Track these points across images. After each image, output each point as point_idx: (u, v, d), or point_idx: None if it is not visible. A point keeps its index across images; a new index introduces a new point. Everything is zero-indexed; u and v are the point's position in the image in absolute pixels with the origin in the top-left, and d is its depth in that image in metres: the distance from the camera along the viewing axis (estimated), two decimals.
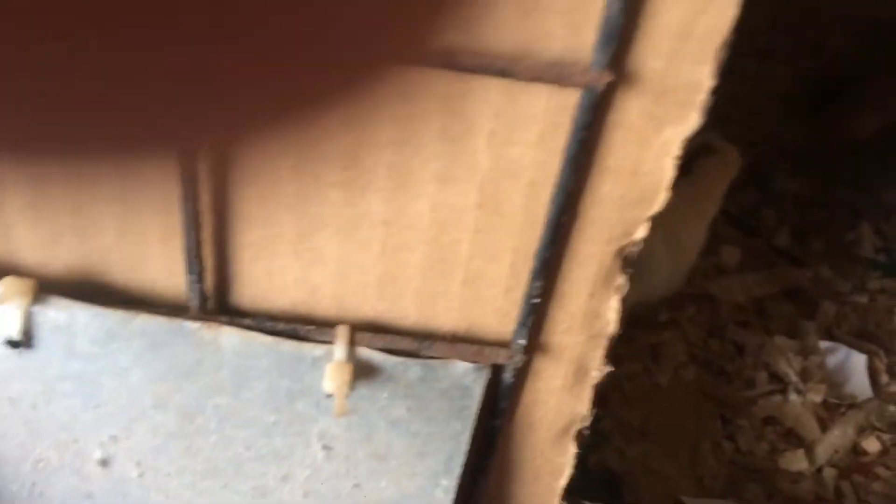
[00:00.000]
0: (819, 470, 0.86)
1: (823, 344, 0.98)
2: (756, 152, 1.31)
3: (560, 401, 0.53)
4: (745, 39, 1.36)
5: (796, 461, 0.85)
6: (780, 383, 0.94)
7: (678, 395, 0.92)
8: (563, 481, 0.56)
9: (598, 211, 0.44)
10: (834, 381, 0.94)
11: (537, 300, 0.46)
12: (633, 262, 0.47)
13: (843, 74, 1.53)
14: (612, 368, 0.52)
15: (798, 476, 0.84)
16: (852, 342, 1.00)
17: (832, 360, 0.97)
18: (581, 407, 0.53)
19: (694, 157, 0.87)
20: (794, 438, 0.89)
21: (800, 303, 1.05)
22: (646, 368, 0.94)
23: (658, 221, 0.80)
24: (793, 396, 0.92)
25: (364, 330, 0.48)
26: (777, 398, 0.92)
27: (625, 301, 0.83)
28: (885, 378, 0.97)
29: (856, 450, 0.88)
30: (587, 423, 0.54)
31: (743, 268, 1.09)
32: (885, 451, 0.88)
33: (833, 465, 0.86)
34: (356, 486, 0.50)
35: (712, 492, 0.82)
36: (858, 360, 0.97)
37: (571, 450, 0.55)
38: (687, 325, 0.99)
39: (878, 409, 0.92)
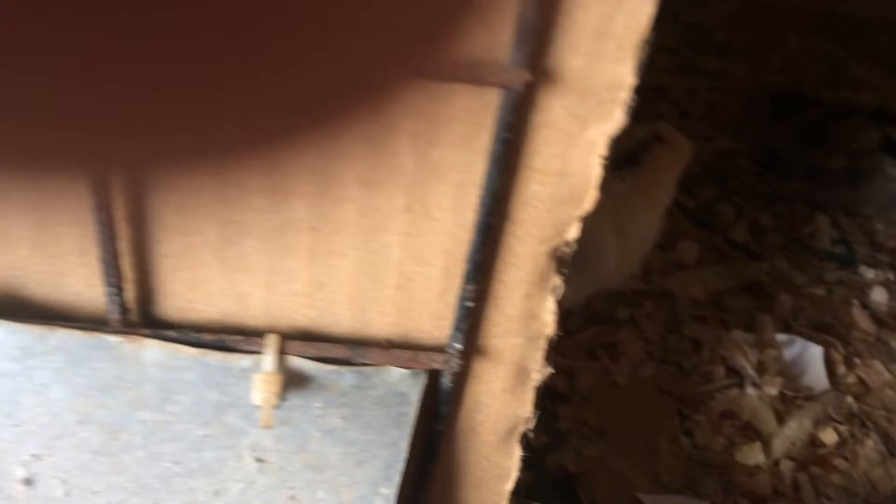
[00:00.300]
0: (776, 463, 0.86)
1: (780, 337, 0.99)
2: (715, 147, 1.32)
3: (502, 404, 0.52)
4: (704, 36, 1.38)
5: (753, 454, 0.85)
6: (737, 377, 0.94)
7: (636, 393, 0.91)
8: (509, 485, 0.56)
9: (528, 211, 0.43)
10: (791, 374, 0.95)
11: (472, 303, 0.45)
12: (568, 263, 0.46)
13: (802, 72, 1.54)
14: (553, 370, 0.51)
15: (755, 469, 0.84)
16: (809, 334, 1.00)
17: (789, 353, 0.97)
18: (523, 409, 0.52)
19: (644, 147, 0.86)
20: (752, 432, 0.89)
21: (757, 297, 1.05)
22: (604, 367, 0.93)
23: (606, 211, 0.80)
24: (749, 390, 0.92)
25: (296, 338, 0.47)
26: (734, 392, 0.92)
27: (574, 296, 0.82)
28: (842, 369, 0.97)
29: (813, 442, 0.88)
30: (531, 425, 0.53)
31: (701, 263, 1.09)
32: (842, 443, 0.88)
33: (790, 458, 0.86)
34: (292, 497, 0.49)
35: (669, 488, 0.82)
36: (815, 352, 0.97)
37: (517, 453, 0.54)
38: (645, 323, 0.99)
39: (835, 401, 0.93)
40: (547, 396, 0.90)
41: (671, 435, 0.87)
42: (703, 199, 1.21)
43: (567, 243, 0.44)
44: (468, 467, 0.55)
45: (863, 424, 0.90)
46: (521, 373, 0.50)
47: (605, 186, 0.43)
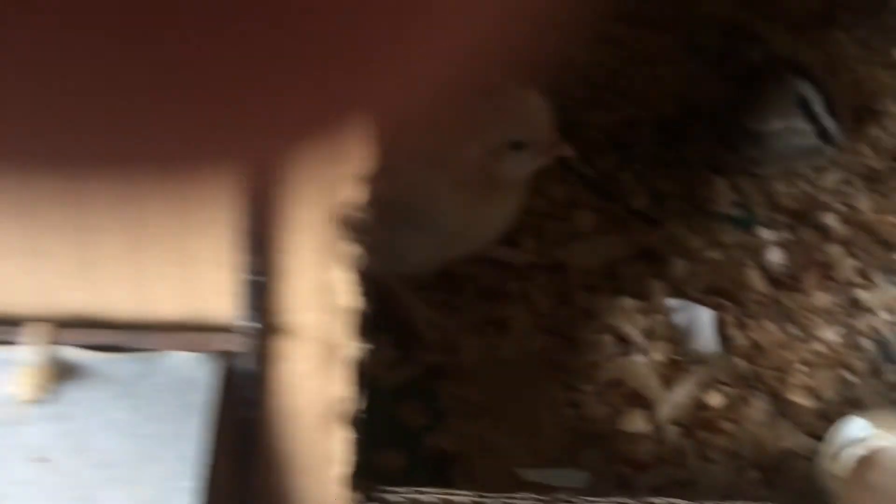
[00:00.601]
0: (661, 428, 0.84)
1: (671, 302, 0.97)
2: (618, 116, 1.30)
3: (315, 384, 0.49)
4: (613, 4, 1.33)
5: (636, 422, 0.84)
6: (626, 345, 0.92)
7: (522, 367, 0.89)
8: (338, 469, 0.53)
9: (298, 171, 0.40)
10: (680, 339, 0.94)
11: (258, 277, 0.42)
12: (363, 229, 0.43)
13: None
14: (369, 345, 0.48)
15: (638, 437, 0.83)
16: (702, 298, 0.99)
17: (679, 318, 0.96)
18: (337, 388, 0.49)
19: (501, 152, 0.81)
20: (639, 399, 0.87)
21: (652, 263, 1.04)
22: (490, 342, 0.91)
23: (443, 174, 0.76)
24: (637, 357, 0.90)
25: (69, 325, 0.43)
26: (622, 360, 0.91)
27: (419, 261, 0.78)
28: (734, 331, 0.96)
29: (700, 405, 0.87)
30: (353, 405, 0.50)
31: (597, 232, 1.07)
32: (730, 405, 0.87)
33: (676, 423, 0.85)
34: (82, 498, 0.45)
35: (551, 461, 0.80)
36: (705, 316, 0.96)
37: (340, 435, 0.51)
38: (536, 295, 0.97)
39: (724, 364, 0.92)
40: (428, 375, 0.88)
41: (555, 408, 0.85)
42: (604, 167, 1.19)
43: (349, 206, 0.41)
44: (292, 454, 0.52)
45: (751, 386, 0.90)
46: (329, 350, 0.47)
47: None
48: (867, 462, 0.73)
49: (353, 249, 0.43)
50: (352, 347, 0.47)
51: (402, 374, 0.86)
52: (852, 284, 1.04)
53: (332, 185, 0.40)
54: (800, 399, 0.90)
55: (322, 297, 0.44)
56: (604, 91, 1.35)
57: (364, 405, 0.53)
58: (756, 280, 1.03)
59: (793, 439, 0.85)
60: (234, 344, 0.44)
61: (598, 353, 0.91)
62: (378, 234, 0.78)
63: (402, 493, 0.65)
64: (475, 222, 0.84)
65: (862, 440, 0.73)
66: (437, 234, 0.82)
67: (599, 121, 1.27)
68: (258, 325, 0.44)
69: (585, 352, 0.91)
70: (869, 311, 1.01)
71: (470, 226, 0.84)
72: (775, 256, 1.07)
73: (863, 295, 1.03)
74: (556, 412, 0.85)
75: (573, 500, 0.71)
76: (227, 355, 0.45)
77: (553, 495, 0.72)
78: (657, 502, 0.63)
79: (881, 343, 0.98)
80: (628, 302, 0.96)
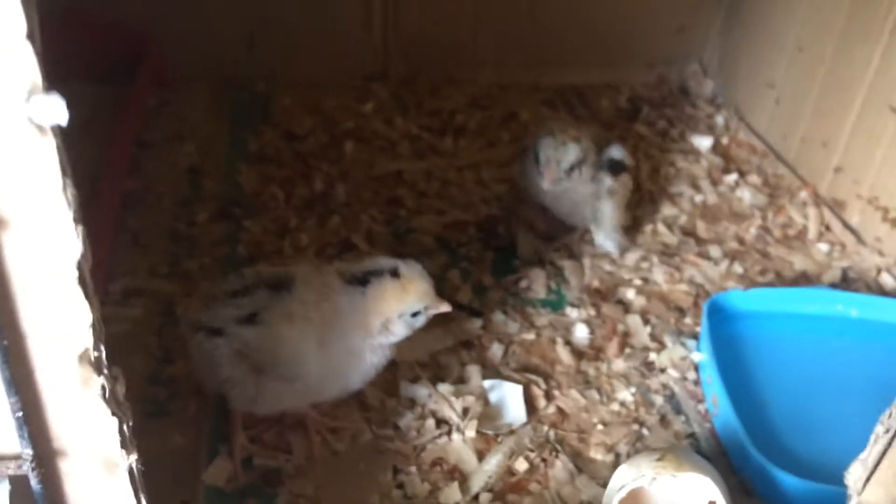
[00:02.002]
0: (476, 497, 0.96)
1: (486, 383, 1.11)
2: (446, 220, 1.46)
3: (101, 495, 0.59)
4: (444, 120, 1.50)
5: (452, 494, 0.95)
6: (446, 426, 1.04)
7: (354, 459, 1.00)
8: None
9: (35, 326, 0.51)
10: (493, 415, 1.06)
11: (21, 413, 0.53)
12: (106, 365, 0.54)
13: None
14: (136, 456, 0.58)
15: None
16: (514, 376, 1.13)
17: (493, 396, 1.09)
18: (123, 495, 0.59)
19: (379, 274, 0.92)
20: (458, 473, 0.99)
21: (471, 350, 1.17)
22: (323, 440, 1.02)
23: (310, 328, 0.89)
24: (455, 436, 1.03)
25: None
26: (443, 440, 1.03)
27: (276, 404, 0.91)
28: (542, 402, 1.10)
29: (510, 472, 0.99)
30: None
31: (425, 328, 1.21)
32: (533, 469, 1.00)
33: (489, 490, 0.97)
34: None
35: None
36: (515, 391, 1.10)
37: None
38: (368, 391, 1.09)
39: (531, 433, 1.05)
40: (266, 478, 0.98)
41: (383, 491, 0.96)
42: (435, 268, 1.34)
43: (91, 349, 0.52)
44: None
45: (555, 449, 1.02)
46: (108, 464, 0.58)
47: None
48: (625, 502, 0.86)
49: (103, 381, 0.54)
50: (127, 459, 0.58)
51: (241, 482, 0.95)
52: (647, 349, 1.20)
53: (73, 337, 0.51)
54: (598, 455, 1.03)
55: (88, 421, 0.55)
56: (434, 199, 1.51)
57: None
58: (563, 354, 1.18)
59: (590, 491, 0.98)
60: (14, 469, 0.55)
61: (421, 436, 1.03)
62: (248, 382, 0.90)
63: None
64: (336, 375, 0.94)
65: (623, 486, 0.86)
66: (298, 385, 0.92)
67: (429, 225, 1.43)
68: (31, 452, 0.55)
69: (411, 437, 1.03)
70: (661, 370, 1.17)
71: (332, 380, 0.94)
72: (581, 332, 1.22)
73: (655, 357, 1.18)
74: (383, 494, 0.95)
75: None
76: (15, 479, 0.55)
77: None
78: None
79: (670, 397, 1.13)
80: (446, 387, 1.08)
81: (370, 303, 0.91)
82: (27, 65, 0.43)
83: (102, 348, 0.53)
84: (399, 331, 0.94)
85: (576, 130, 1.27)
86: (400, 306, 0.92)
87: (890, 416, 0.77)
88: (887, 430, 0.78)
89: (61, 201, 0.46)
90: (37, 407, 0.54)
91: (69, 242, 0.47)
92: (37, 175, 0.45)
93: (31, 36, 0.43)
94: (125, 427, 0.57)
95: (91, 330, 0.52)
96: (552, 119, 1.68)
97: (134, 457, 0.58)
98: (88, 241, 0.49)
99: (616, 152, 1.34)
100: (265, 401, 0.93)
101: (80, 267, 0.49)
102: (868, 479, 0.80)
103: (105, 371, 0.54)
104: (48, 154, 0.45)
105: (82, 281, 0.49)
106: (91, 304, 0.50)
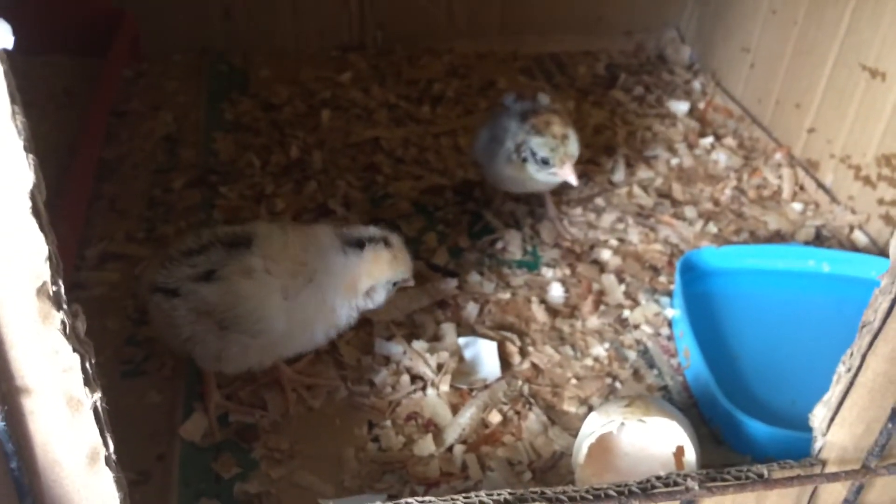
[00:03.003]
0: (450, 448, 0.97)
1: (461, 340, 1.12)
2: (424, 184, 1.46)
3: (68, 433, 0.60)
4: (422, 90, 1.50)
5: (427, 446, 0.97)
6: (421, 382, 1.05)
7: (329, 415, 1.01)
8: None
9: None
10: (468, 370, 1.08)
11: None
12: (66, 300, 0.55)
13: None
14: (101, 394, 0.59)
15: (428, 458, 0.95)
16: (489, 334, 1.14)
17: (468, 353, 1.10)
18: (88, 434, 0.60)
19: (369, 241, 0.94)
20: (433, 427, 1.00)
21: (447, 309, 1.18)
22: (300, 397, 1.03)
23: (276, 286, 0.90)
24: (430, 391, 1.04)
25: None
26: (418, 395, 1.04)
27: (242, 361, 0.92)
28: (517, 359, 1.11)
29: (484, 424, 1.01)
30: (110, 450, 0.61)
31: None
32: (506, 421, 1.01)
33: (462, 442, 0.98)
34: None
35: (353, 490, 0.92)
36: (490, 348, 1.11)
37: (107, 476, 0.62)
38: (344, 349, 1.10)
39: (506, 387, 1.06)
40: (241, 433, 0.99)
41: (358, 445, 0.97)
42: (412, 231, 1.35)
43: (49, 283, 0.53)
44: (65, 498, 0.62)
45: (529, 403, 1.04)
46: (72, 402, 0.58)
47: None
48: (595, 448, 0.87)
49: (67, 317, 0.55)
50: (91, 398, 0.59)
51: (217, 438, 0.96)
52: (621, 306, 1.21)
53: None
54: (571, 408, 1.04)
55: (49, 359, 0.56)
56: (411, 165, 1.52)
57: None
58: (539, 312, 1.19)
59: (563, 442, 0.99)
60: None
61: (396, 392, 1.04)
62: (210, 340, 0.91)
63: None
64: (302, 332, 0.94)
65: (592, 432, 0.87)
66: (263, 341, 0.92)
67: (406, 190, 1.44)
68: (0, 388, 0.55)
69: (386, 393, 1.04)
70: (635, 327, 1.18)
71: (297, 338, 0.95)
72: (556, 291, 1.23)
73: (629, 314, 1.20)
74: (359, 448, 0.97)
75: None
76: None
77: None
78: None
79: (643, 352, 1.14)
80: (421, 345, 1.10)
81: (364, 266, 0.94)
82: None
83: (61, 283, 0.54)
84: (378, 298, 0.97)
85: (547, 116, 1.23)
86: (390, 273, 0.96)
87: (851, 354, 0.78)
88: (849, 369, 0.79)
89: (10, 129, 0.46)
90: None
91: (20, 172, 0.48)
92: None
93: None
94: (88, 364, 0.58)
95: (48, 263, 0.52)
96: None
97: (98, 395, 0.59)
98: (41, 174, 0.49)
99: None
100: (230, 358, 0.93)
101: (33, 198, 0.49)
102: (832, 420, 0.82)
103: (64, 306, 0.54)
104: None
105: (36, 212, 0.49)
106: (46, 236, 0.51)
